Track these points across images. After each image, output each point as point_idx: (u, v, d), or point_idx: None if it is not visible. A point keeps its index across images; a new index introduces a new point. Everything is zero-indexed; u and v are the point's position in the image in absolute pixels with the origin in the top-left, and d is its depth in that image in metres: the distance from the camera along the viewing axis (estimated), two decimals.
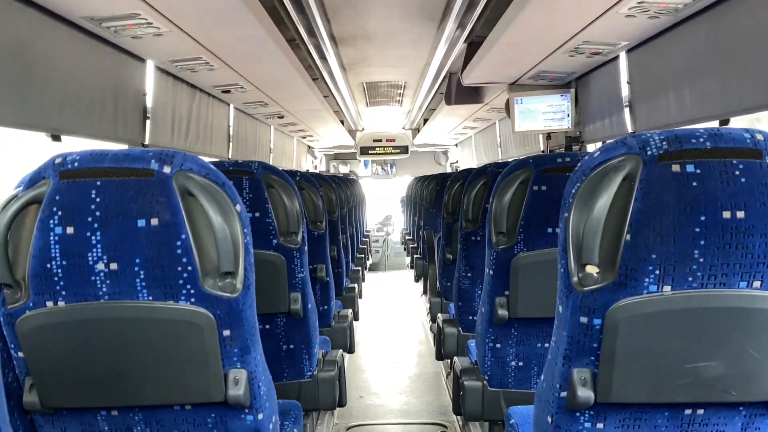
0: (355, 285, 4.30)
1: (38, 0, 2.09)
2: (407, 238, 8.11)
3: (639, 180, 1.13)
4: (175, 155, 1.24)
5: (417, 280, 6.51)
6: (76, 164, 1.22)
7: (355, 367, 4.69)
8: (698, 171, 1.11)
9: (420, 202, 6.50)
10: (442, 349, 3.03)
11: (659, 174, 1.12)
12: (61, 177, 1.22)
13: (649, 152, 1.13)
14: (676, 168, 1.12)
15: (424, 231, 5.64)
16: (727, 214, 1.10)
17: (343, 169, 10.95)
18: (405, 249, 8.37)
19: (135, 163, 1.22)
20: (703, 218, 1.10)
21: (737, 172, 1.10)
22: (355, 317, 3.80)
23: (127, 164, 1.22)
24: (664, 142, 1.13)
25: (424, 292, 6.70)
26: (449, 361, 3.18)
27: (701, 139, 1.12)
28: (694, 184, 1.11)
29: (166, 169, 1.22)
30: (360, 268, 5.43)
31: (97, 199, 1.21)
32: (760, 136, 1.13)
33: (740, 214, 1.10)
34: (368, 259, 8.05)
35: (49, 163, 1.24)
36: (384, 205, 11.83)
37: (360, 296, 4.77)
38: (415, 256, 6.50)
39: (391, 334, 5.88)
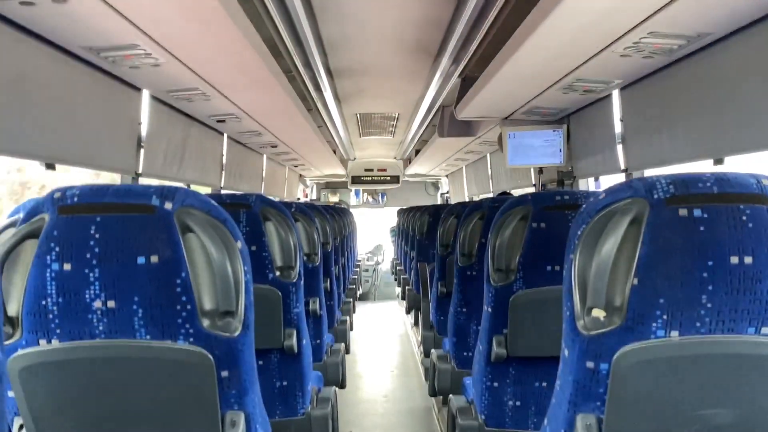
0: (347, 317, 4.25)
1: (37, 29, 2.09)
2: (398, 268, 8.08)
3: (646, 223, 1.12)
4: (177, 191, 1.23)
5: (408, 311, 6.46)
6: (75, 199, 1.20)
7: (345, 402, 4.61)
8: (706, 215, 1.11)
9: (411, 233, 6.49)
10: (435, 385, 2.98)
11: (666, 218, 1.12)
12: (59, 212, 1.19)
13: (656, 196, 1.13)
14: (683, 212, 1.11)
15: (417, 263, 5.62)
16: (734, 260, 1.09)
17: (333, 198, 10.94)
18: (396, 279, 8.33)
19: (136, 199, 1.20)
20: (710, 263, 1.10)
21: (744, 218, 1.10)
22: (347, 350, 3.75)
23: (128, 200, 1.20)
24: (671, 186, 1.13)
25: (415, 324, 6.64)
26: (442, 397, 3.14)
27: (708, 184, 1.13)
28: (702, 228, 1.10)
29: (168, 206, 1.20)
30: (351, 299, 5.39)
31: (96, 235, 1.18)
32: (766, 182, 1.13)
33: (748, 260, 1.09)
34: (359, 290, 7.99)
35: (48, 197, 1.22)
36: (374, 234, 11.80)
37: (351, 328, 4.72)
38: (406, 287, 6.46)
39: (382, 367, 5.80)
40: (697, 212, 1.11)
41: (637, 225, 1.13)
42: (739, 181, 1.12)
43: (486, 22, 2.60)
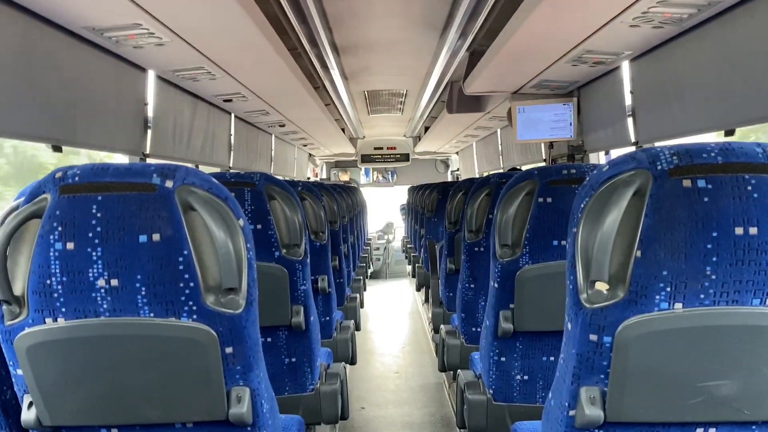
0: (357, 295, 4.27)
1: (40, 11, 2.08)
2: (408, 246, 8.09)
3: (649, 195, 1.11)
4: (178, 169, 1.23)
5: (419, 289, 6.48)
6: (76, 179, 1.20)
7: (356, 378, 4.66)
8: (710, 186, 1.09)
9: (421, 211, 6.48)
10: (445, 360, 3.00)
11: (670, 189, 1.10)
12: (61, 191, 1.20)
13: (659, 167, 1.11)
14: (687, 183, 1.10)
15: (426, 240, 5.62)
16: (739, 231, 1.08)
17: (343, 177, 10.94)
18: (406, 257, 8.35)
19: (136, 178, 1.20)
20: (715, 234, 1.08)
21: (749, 188, 1.08)
22: (357, 327, 3.78)
23: (129, 179, 1.20)
24: (674, 157, 1.11)
25: (426, 301, 6.67)
26: (452, 372, 3.15)
27: (712, 154, 1.10)
28: (706, 199, 1.09)
29: (168, 184, 1.20)
30: (362, 277, 5.41)
31: (98, 215, 1.19)
32: None
33: (753, 231, 1.08)
34: (369, 268, 8.02)
35: (50, 177, 1.22)
36: (385, 212, 11.80)
37: (362, 306, 4.75)
38: (416, 264, 6.48)
39: (393, 343, 5.84)
40: (701, 183, 1.09)
41: (640, 197, 1.12)
42: (744, 150, 1.10)
43: None
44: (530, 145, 5.31)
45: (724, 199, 1.08)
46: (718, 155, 1.10)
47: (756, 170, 1.09)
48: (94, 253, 1.18)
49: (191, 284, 1.20)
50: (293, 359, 2.22)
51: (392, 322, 6.88)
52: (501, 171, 6.64)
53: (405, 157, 9.90)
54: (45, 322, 1.21)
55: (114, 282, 1.19)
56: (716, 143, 1.12)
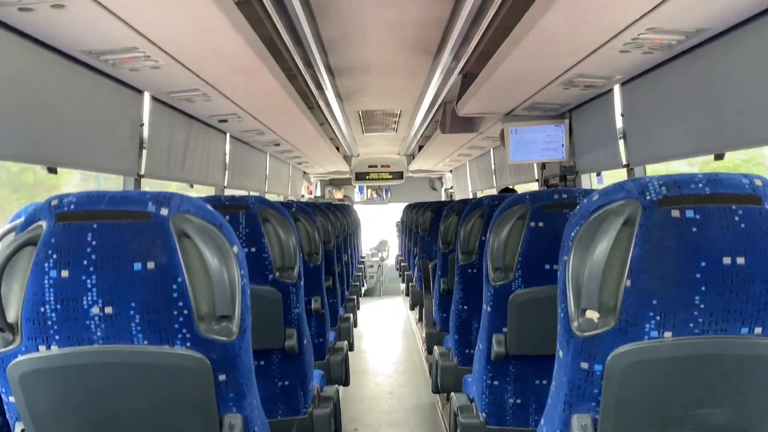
0: (351, 315, 4.26)
1: (37, 34, 2.10)
2: (402, 264, 8.09)
3: (639, 225, 1.12)
4: (173, 197, 1.24)
5: (412, 308, 6.47)
6: (72, 206, 1.21)
7: (349, 398, 4.63)
8: (698, 216, 1.11)
9: (414, 230, 6.50)
10: (438, 382, 2.99)
11: (659, 219, 1.12)
12: (56, 219, 1.20)
13: (648, 197, 1.13)
14: (675, 213, 1.11)
15: (420, 259, 5.63)
16: (727, 260, 1.09)
17: (338, 195, 10.96)
18: (400, 275, 8.35)
19: (132, 206, 1.21)
20: (703, 264, 1.10)
21: (737, 218, 1.10)
22: (350, 348, 3.77)
23: (124, 207, 1.21)
24: (663, 187, 1.13)
25: (420, 320, 6.66)
26: (446, 394, 3.15)
27: (700, 185, 1.12)
28: (694, 229, 1.10)
29: (164, 212, 1.21)
30: (355, 296, 5.40)
31: (93, 242, 1.19)
32: (758, 182, 1.13)
33: (740, 260, 1.09)
34: (363, 286, 8.01)
35: (45, 204, 1.23)
36: (379, 229, 11.81)
37: (355, 325, 4.74)
38: (410, 283, 6.48)
39: (387, 363, 5.82)
40: (689, 213, 1.11)
41: (630, 226, 1.13)
42: (731, 181, 1.12)
43: (485, 20, 2.60)
44: (523, 165, 5.35)
45: (712, 229, 1.10)
46: (706, 186, 1.12)
47: (743, 201, 1.11)
48: (88, 281, 1.19)
49: (185, 312, 1.21)
50: (286, 382, 2.21)
51: (386, 341, 6.86)
52: (495, 190, 6.68)
53: (399, 175, 9.94)
54: (38, 350, 1.21)
55: (108, 309, 1.19)
56: (704, 174, 1.14)
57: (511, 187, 5.87)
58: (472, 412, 2.21)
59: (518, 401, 2.10)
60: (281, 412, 2.23)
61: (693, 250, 1.10)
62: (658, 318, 1.12)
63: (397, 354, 6.25)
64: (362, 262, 8.65)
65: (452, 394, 2.45)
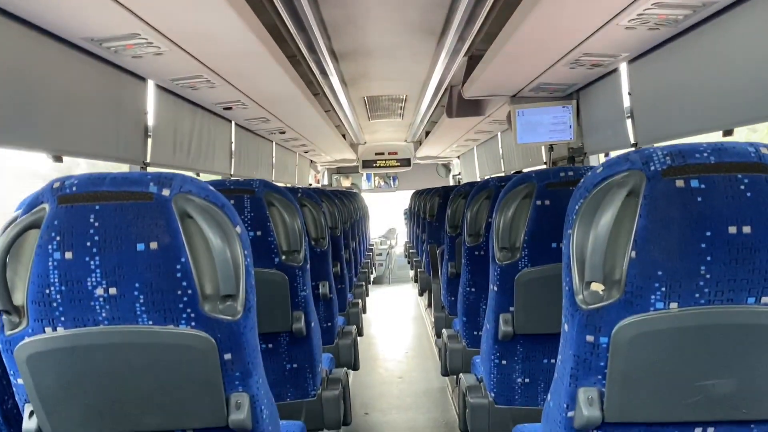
0: (359, 300, 4.27)
1: (39, 22, 2.10)
2: (411, 251, 8.09)
3: (643, 196, 1.11)
4: (174, 177, 1.24)
5: (421, 293, 6.48)
6: (74, 188, 1.21)
7: (360, 383, 4.65)
8: (703, 186, 1.09)
9: (422, 216, 6.49)
10: (447, 365, 3.00)
11: (663, 189, 1.10)
12: (59, 201, 1.21)
13: (652, 167, 1.12)
14: (680, 183, 1.10)
15: (428, 245, 5.62)
16: (733, 230, 1.08)
17: (345, 183, 10.96)
18: (408, 262, 8.35)
19: (133, 187, 1.21)
20: (708, 234, 1.09)
21: (742, 187, 1.09)
22: (360, 333, 3.78)
23: (126, 188, 1.21)
24: (668, 157, 1.12)
25: (428, 306, 6.67)
26: (455, 376, 3.15)
27: (705, 154, 1.11)
28: (699, 199, 1.09)
29: (165, 192, 1.21)
30: (363, 283, 5.41)
31: (96, 224, 1.19)
32: (764, 150, 1.11)
33: (746, 229, 1.08)
34: (372, 273, 8.03)
35: (48, 187, 1.23)
36: (387, 217, 11.81)
37: (364, 311, 4.75)
38: (418, 269, 6.48)
39: (397, 348, 5.84)
40: (694, 183, 1.10)
41: (634, 197, 1.12)
42: (737, 150, 1.11)
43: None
44: (531, 148, 5.31)
45: (718, 199, 1.09)
46: (711, 155, 1.11)
47: (748, 169, 1.09)
48: (92, 262, 1.19)
49: (189, 291, 1.21)
50: (295, 365, 2.22)
51: (395, 327, 6.88)
52: (503, 175, 6.65)
53: (406, 162, 9.91)
54: (44, 332, 1.22)
55: (112, 290, 1.20)
56: (708, 143, 1.13)
57: (522, 171, 5.84)
58: (481, 392, 2.21)
59: (526, 380, 2.10)
60: (290, 395, 2.24)
61: (698, 219, 1.09)
62: (663, 289, 1.11)
63: (406, 339, 6.26)
64: (371, 250, 8.67)
65: (460, 374, 2.45)
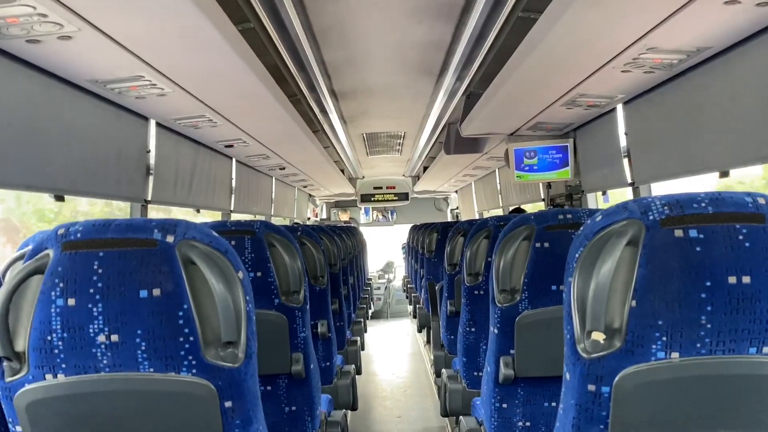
0: (358, 338, 4.24)
1: (44, 65, 2.13)
2: (409, 286, 8.06)
3: (642, 245, 1.12)
4: (178, 224, 1.24)
5: (420, 330, 6.43)
6: (78, 235, 1.22)
7: (358, 423, 4.59)
8: (702, 236, 1.10)
9: (421, 251, 6.49)
10: (447, 406, 2.96)
11: (662, 239, 1.11)
12: (63, 248, 1.21)
13: (650, 217, 1.13)
14: (678, 233, 1.11)
15: (426, 281, 5.61)
16: (732, 280, 1.09)
17: (343, 217, 10.98)
18: (407, 297, 8.32)
19: (138, 233, 1.22)
20: (708, 283, 1.09)
21: (741, 237, 1.10)
22: (358, 372, 3.74)
23: (130, 234, 1.22)
24: (665, 207, 1.13)
25: (427, 343, 6.62)
26: (455, 417, 3.12)
27: (702, 204, 1.12)
28: (698, 249, 1.10)
29: (169, 239, 1.22)
30: (362, 319, 5.37)
31: (99, 270, 1.20)
32: (762, 200, 1.12)
33: (746, 279, 1.09)
34: (370, 308, 7.98)
35: (52, 233, 1.24)
36: (385, 250, 11.79)
37: (363, 348, 4.71)
38: (417, 305, 6.45)
39: (395, 386, 5.77)
40: (693, 233, 1.11)
41: (633, 247, 1.13)
42: (734, 200, 1.12)
43: (487, 42, 2.63)
44: (529, 184, 5.35)
45: (717, 249, 1.10)
46: (709, 205, 1.12)
47: (746, 219, 1.11)
48: (95, 309, 1.19)
49: (191, 338, 1.21)
50: (293, 408, 2.20)
51: (394, 363, 6.81)
52: (501, 210, 6.68)
53: (404, 196, 9.96)
54: (45, 379, 1.21)
55: (114, 337, 1.20)
56: (706, 193, 1.14)
57: (520, 206, 5.87)
58: None
59: (527, 424, 2.08)
60: None
61: (698, 269, 1.09)
62: (664, 338, 1.11)
63: (405, 377, 6.20)
64: (369, 284, 8.63)
65: (461, 417, 2.43)
